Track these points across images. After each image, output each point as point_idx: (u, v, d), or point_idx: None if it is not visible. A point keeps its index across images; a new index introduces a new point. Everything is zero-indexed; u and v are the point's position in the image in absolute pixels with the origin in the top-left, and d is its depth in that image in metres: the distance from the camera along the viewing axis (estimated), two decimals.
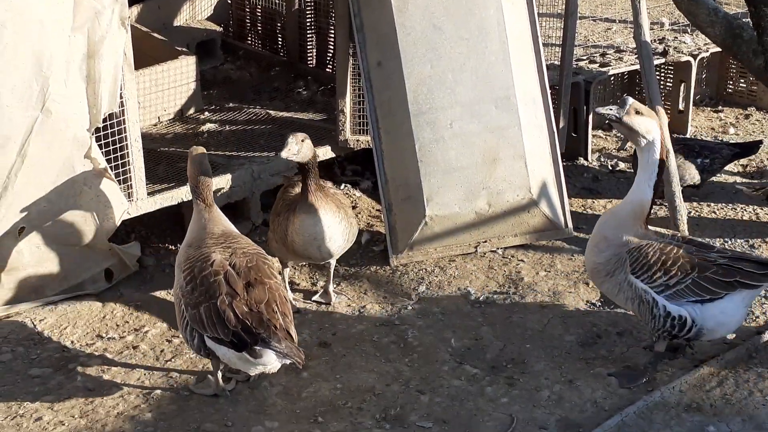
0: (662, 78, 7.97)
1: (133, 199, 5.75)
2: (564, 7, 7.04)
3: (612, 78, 7.88)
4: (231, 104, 7.54)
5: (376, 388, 4.92)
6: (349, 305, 5.69)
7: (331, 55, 7.90)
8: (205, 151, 5.04)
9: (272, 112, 7.37)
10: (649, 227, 5.00)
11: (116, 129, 5.56)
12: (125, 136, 5.60)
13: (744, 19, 6.45)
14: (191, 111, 7.31)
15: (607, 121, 5.32)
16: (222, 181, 6.14)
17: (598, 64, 7.75)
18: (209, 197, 4.95)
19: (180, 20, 8.30)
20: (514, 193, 6.17)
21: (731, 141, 7.50)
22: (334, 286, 5.81)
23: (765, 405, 4.74)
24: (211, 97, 7.65)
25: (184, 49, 7.43)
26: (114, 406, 4.77)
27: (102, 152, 5.49)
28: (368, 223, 6.54)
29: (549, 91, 6.39)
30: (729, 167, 7.16)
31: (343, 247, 5.51)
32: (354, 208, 6.59)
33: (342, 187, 6.78)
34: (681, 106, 7.92)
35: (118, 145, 5.59)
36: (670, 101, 7.90)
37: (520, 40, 6.27)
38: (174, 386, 4.93)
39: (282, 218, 5.41)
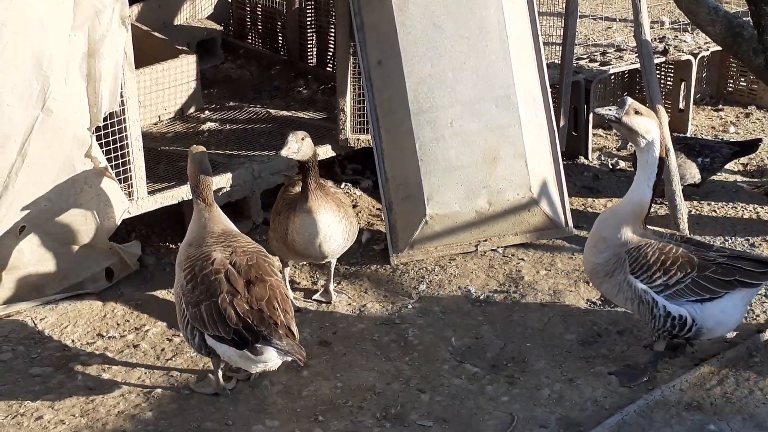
0: (662, 77, 7.97)
1: (133, 198, 5.75)
2: (564, 5, 7.03)
3: (612, 77, 7.88)
4: (231, 103, 7.54)
5: (376, 386, 4.92)
6: (349, 304, 5.69)
7: (331, 53, 7.90)
8: (205, 150, 5.04)
9: (272, 111, 7.37)
10: (647, 226, 5.00)
11: (117, 128, 5.56)
12: (126, 135, 5.60)
13: (744, 18, 6.46)
14: (192, 110, 7.31)
15: (606, 121, 5.31)
16: (222, 180, 6.14)
17: (598, 63, 7.75)
18: (209, 196, 4.95)
19: (180, 19, 8.31)
20: (515, 191, 6.17)
21: (732, 140, 7.50)
22: (335, 284, 5.81)
23: (765, 403, 4.74)
24: (212, 96, 7.65)
25: (184, 48, 7.43)
26: (115, 405, 4.77)
27: (102, 151, 5.49)
28: (369, 222, 6.54)
29: (549, 90, 6.39)
30: (729, 166, 7.16)
31: (344, 246, 5.51)
32: (354, 207, 6.59)
33: (342, 185, 6.78)
34: (681, 105, 7.92)
35: (118, 144, 5.60)
36: (670, 100, 7.90)
37: (520, 39, 6.27)
38: (175, 385, 4.93)
39: (282, 217, 5.41)
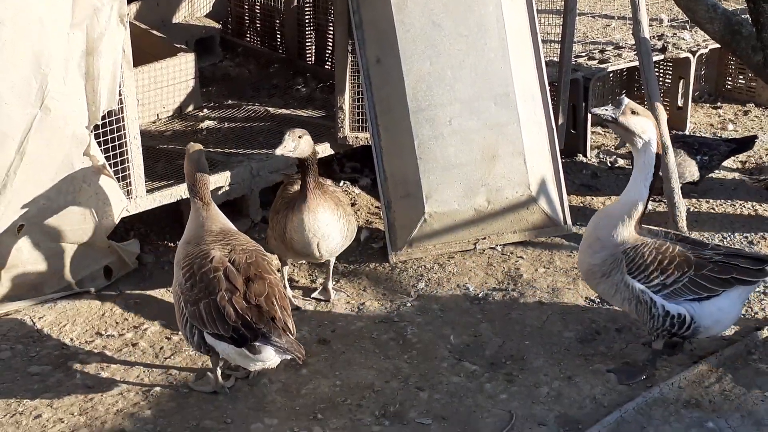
0: (661, 74, 7.97)
1: (132, 197, 5.75)
2: (563, 3, 7.03)
3: (611, 75, 7.87)
4: (230, 101, 7.54)
5: (375, 384, 4.92)
6: (348, 302, 5.69)
7: (330, 52, 7.90)
8: (202, 148, 5.03)
9: (271, 109, 7.37)
10: (642, 225, 4.99)
11: (115, 126, 5.55)
12: (124, 134, 5.60)
13: (743, 16, 6.45)
14: (190, 108, 7.31)
15: (603, 121, 5.31)
16: (221, 179, 6.14)
17: (597, 61, 7.75)
18: (207, 195, 4.95)
19: (179, 17, 8.30)
20: (513, 189, 6.17)
21: (729, 137, 7.50)
22: (334, 283, 5.81)
23: (764, 401, 4.75)
24: (210, 95, 7.65)
25: (182, 46, 7.42)
26: (113, 403, 4.77)
27: (101, 149, 5.49)
28: (367, 221, 6.54)
29: (548, 88, 6.39)
30: (728, 164, 7.16)
31: (342, 244, 5.51)
32: (353, 205, 6.59)
33: (341, 184, 6.78)
34: (680, 103, 7.91)
35: (117, 143, 5.59)
36: (669, 98, 7.90)
37: (519, 37, 6.26)
38: (173, 383, 4.93)
39: (281, 216, 5.41)
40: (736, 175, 7.21)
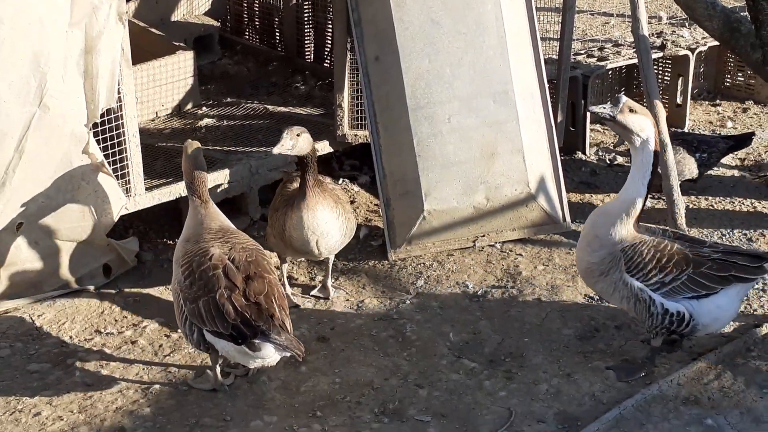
0: (660, 72, 7.97)
1: (131, 195, 5.75)
2: (562, 1, 7.03)
3: (610, 72, 7.88)
4: (229, 99, 7.54)
5: (374, 382, 4.92)
6: (347, 300, 5.69)
7: (328, 49, 7.90)
8: (200, 146, 5.02)
9: (270, 107, 7.37)
10: (640, 223, 4.99)
11: (114, 124, 5.55)
12: (123, 132, 5.59)
13: (742, 13, 6.46)
14: (189, 106, 7.31)
15: (601, 119, 5.30)
16: (220, 176, 6.14)
17: (596, 59, 7.75)
18: (205, 193, 4.94)
19: (177, 15, 8.30)
20: (512, 187, 6.18)
21: (728, 134, 7.51)
22: (333, 280, 5.81)
23: (762, 398, 4.75)
24: (209, 92, 7.64)
25: (181, 44, 7.42)
26: (113, 401, 4.77)
27: (100, 148, 5.49)
28: (366, 218, 6.54)
29: (547, 86, 6.39)
30: (727, 161, 7.17)
31: (341, 242, 5.51)
32: (352, 202, 6.60)
33: (340, 182, 6.78)
34: (679, 100, 7.92)
35: (115, 141, 5.59)
36: (668, 95, 7.91)
37: (518, 35, 6.26)
38: (172, 381, 4.94)
39: (280, 213, 5.41)
40: (735, 172, 7.21)
